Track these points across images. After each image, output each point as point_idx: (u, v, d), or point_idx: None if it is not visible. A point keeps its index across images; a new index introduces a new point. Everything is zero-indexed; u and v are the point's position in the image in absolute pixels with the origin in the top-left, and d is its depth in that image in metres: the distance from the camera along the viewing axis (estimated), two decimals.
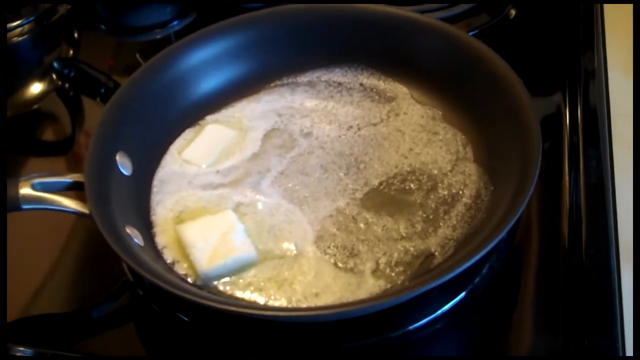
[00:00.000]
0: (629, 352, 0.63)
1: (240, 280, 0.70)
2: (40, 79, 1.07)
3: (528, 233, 0.75)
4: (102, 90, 1.04)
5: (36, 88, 1.06)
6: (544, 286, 0.71)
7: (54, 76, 1.07)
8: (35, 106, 1.04)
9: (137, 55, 1.08)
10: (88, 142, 0.94)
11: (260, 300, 0.69)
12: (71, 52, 1.12)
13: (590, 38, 0.94)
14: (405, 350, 0.68)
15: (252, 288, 0.69)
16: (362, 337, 0.68)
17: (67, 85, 1.06)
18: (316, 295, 0.68)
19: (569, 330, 0.66)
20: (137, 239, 0.72)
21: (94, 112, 1.02)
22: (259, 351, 0.69)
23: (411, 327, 0.68)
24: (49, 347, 0.71)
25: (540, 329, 0.68)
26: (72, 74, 1.07)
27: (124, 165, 0.77)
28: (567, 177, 0.79)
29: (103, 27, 1.13)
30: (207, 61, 0.88)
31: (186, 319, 0.71)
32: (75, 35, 1.14)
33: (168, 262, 0.72)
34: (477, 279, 0.71)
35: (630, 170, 0.77)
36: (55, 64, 1.09)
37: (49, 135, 1.02)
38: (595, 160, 0.79)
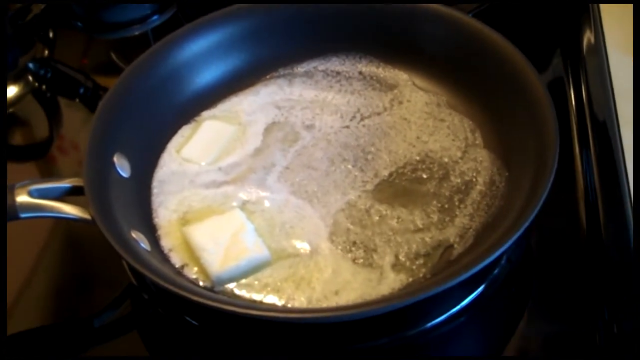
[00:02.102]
0: None
1: (256, 282, 0.67)
2: (15, 81, 1.03)
3: (545, 218, 0.73)
4: (81, 90, 1.00)
5: (11, 91, 1.02)
6: (566, 270, 0.70)
7: (30, 78, 1.03)
8: (11, 109, 1.00)
9: (112, 54, 1.06)
10: (66, 145, 0.92)
11: (279, 301, 0.66)
12: (46, 52, 1.08)
13: (587, 16, 0.93)
14: (424, 350, 0.66)
15: (269, 289, 0.67)
16: (379, 336, 0.66)
17: (43, 86, 1.02)
18: (336, 293, 0.66)
19: (596, 313, 0.65)
20: (144, 243, 0.69)
21: (72, 113, 1.00)
22: (269, 353, 0.67)
23: (429, 325, 0.66)
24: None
25: (565, 316, 0.67)
26: (48, 75, 1.03)
27: (122, 167, 0.74)
28: (578, 159, 0.78)
29: (79, 24, 1.10)
30: (200, 55, 0.85)
31: (195, 322, 0.68)
32: (51, 34, 1.10)
33: (177, 266, 0.69)
34: (496, 270, 0.69)
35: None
36: (31, 65, 1.04)
37: (25, 139, 1.00)
38: (605, 140, 0.78)
